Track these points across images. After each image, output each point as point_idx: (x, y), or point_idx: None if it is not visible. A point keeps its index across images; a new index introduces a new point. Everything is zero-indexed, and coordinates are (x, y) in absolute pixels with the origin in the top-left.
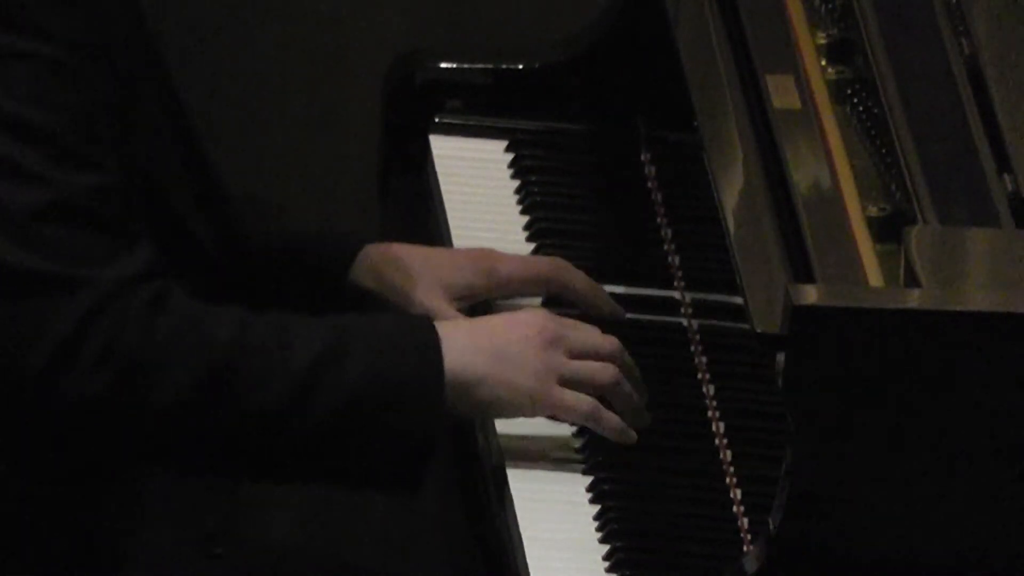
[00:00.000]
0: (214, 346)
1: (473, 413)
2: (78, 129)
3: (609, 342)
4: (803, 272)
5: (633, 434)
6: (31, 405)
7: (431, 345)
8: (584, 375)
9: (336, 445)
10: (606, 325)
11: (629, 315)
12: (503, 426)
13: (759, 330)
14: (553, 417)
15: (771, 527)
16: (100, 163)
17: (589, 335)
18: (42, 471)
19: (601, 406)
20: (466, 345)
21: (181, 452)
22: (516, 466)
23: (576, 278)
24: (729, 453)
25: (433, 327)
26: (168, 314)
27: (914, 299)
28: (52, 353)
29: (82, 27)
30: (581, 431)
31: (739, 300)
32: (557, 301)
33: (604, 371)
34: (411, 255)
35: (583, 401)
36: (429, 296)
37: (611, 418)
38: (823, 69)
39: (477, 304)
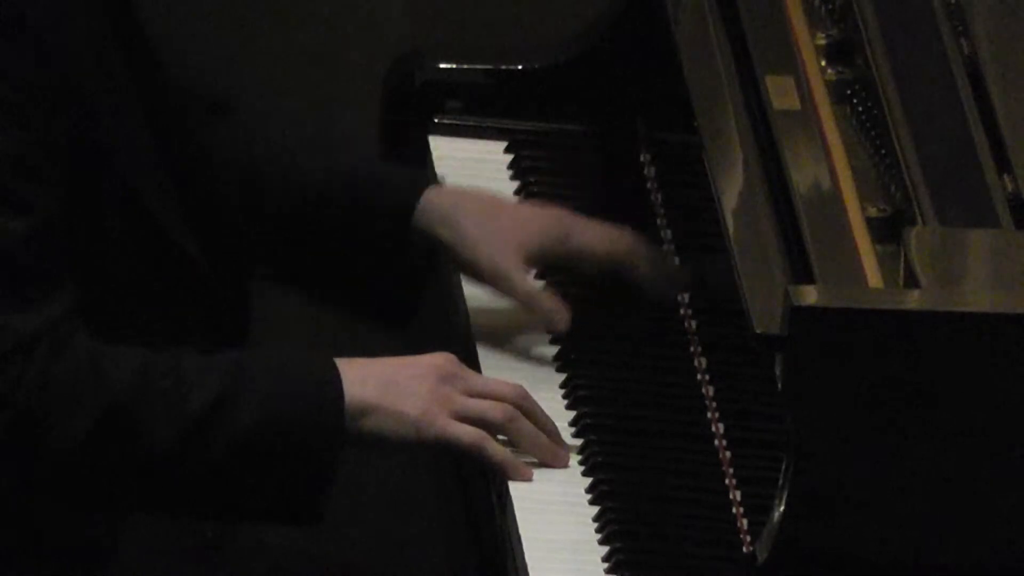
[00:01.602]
0: (111, 390)
1: (360, 443)
2: (7, 171)
3: (511, 387)
4: (803, 273)
5: (528, 471)
6: None
7: (330, 380)
8: (474, 411)
9: (237, 482)
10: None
11: (628, 316)
12: None
13: (759, 331)
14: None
15: (770, 528)
16: (30, 205)
17: (488, 379)
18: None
19: (488, 439)
20: (358, 377)
21: (81, 491)
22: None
23: (644, 260)
24: (729, 454)
25: (333, 363)
26: (65, 359)
27: (914, 300)
28: None
29: (27, 62)
30: (581, 432)
31: (739, 301)
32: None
33: (495, 408)
34: (487, 206)
35: (467, 432)
36: (504, 254)
37: (497, 451)
38: (823, 70)
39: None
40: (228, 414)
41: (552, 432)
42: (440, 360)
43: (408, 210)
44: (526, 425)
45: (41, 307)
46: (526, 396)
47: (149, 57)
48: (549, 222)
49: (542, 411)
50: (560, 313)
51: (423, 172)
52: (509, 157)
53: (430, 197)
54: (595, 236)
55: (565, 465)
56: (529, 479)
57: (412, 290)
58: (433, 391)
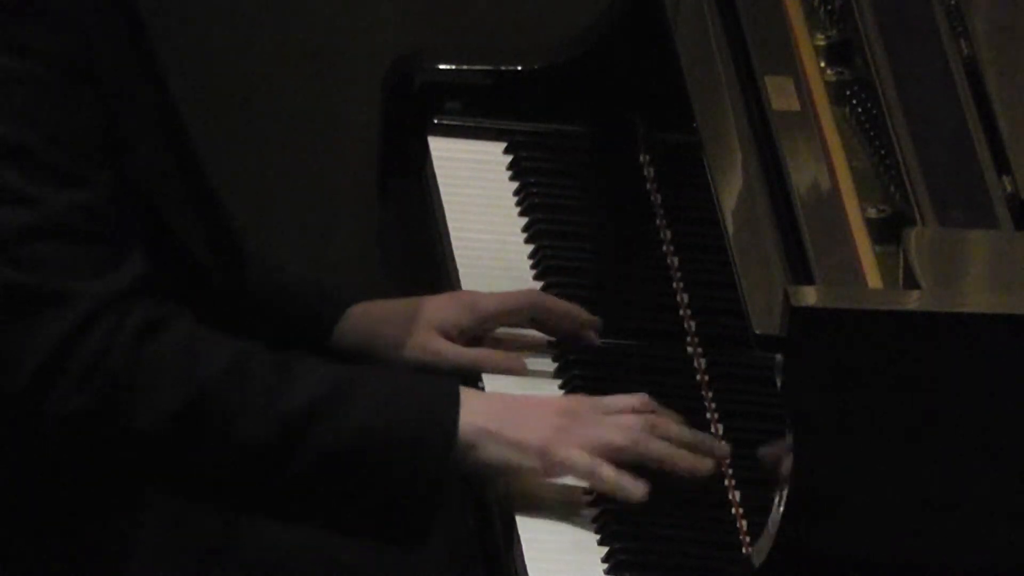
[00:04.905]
0: (204, 375)
1: (480, 472)
2: (61, 146)
3: (634, 398)
4: (802, 273)
5: (640, 490)
6: (21, 416)
7: (447, 400)
8: (597, 439)
9: (330, 490)
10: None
11: (628, 316)
12: None
13: (758, 331)
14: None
15: (770, 528)
16: (86, 179)
17: (615, 398)
18: (44, 480)
19: (600, 463)
20: (481, 407)
21: (166, 475)
22: None
23: (553, 304)
24: None
25: (456, 385)
26: (162, 338)
27: (913, 301)
28: (38, 368)
29: (64, 44)
30: None
31: (738, 301)
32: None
33: (618, 433)
34: (396, 308)
35: (581, 458)
36: (427, 339)
37: (608, 476)
38: (822, 71)
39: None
40: (331, 416)
41: (684, 437)
42: (566, 401)
43: (330, 325)
44: (654, 445)
45: (109, 274)
46: (646, 403)
47: (154, 58)
48: (452, 300)
49: (670, 416)
50: (514, 359)
51: (348, 291)
52: (508, 158)
53: (346, 315)
54: (497, 300)
55: (706, 472)
56: (644, 497)
57: None
58: (555, 423)
